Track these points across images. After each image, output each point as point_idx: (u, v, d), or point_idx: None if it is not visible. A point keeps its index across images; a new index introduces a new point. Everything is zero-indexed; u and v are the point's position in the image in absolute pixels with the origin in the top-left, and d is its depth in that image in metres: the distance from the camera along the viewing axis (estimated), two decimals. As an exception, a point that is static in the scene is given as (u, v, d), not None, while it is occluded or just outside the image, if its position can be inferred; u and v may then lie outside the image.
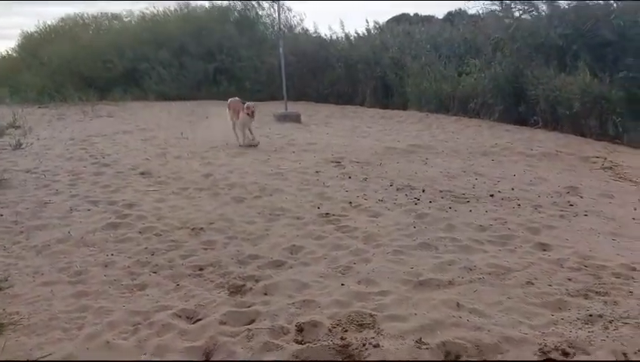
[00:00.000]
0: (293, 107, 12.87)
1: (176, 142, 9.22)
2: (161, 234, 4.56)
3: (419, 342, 2.73)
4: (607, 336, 2.72)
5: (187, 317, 3.14)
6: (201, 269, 3.84)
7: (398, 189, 5.91)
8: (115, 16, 19.82)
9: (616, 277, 3.51)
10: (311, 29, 18.30)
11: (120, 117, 12.99)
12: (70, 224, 4.90)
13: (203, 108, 14.01)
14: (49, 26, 19.71)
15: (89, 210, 5.35)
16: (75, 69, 16.88)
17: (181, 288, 3.54)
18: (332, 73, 15.67)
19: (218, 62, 16.95)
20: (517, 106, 11.13)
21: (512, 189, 5.90)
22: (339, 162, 7.34)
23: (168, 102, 15.81)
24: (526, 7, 12.09)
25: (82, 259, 4.07)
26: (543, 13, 11.82)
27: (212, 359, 2.72)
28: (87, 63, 16.93)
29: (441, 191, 5.78)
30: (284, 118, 11.84)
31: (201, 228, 4.68)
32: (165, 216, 5.05)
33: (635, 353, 2.56)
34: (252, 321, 3.07)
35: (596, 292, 3.27)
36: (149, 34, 17.80)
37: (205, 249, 4.24)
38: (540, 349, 2.61)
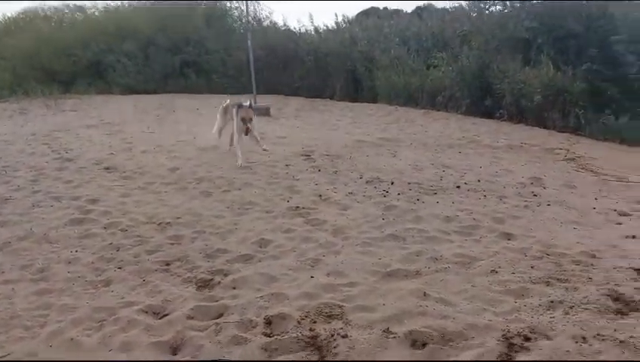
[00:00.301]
0: (263, 100, 12.78)
1: (142, 136, 9.05)
2: (126, 230, 4.48)
3: (386, 331, 2.76)
4: (568, 321, 2.81)
5: (154, 313, 3.10)
6: (167, 264, 3.79)
7: (367, 182, 5.94)
8: (79, 8, 19.30)
9: (577, 264, 3.62)
10: (280, 23, 18.20)
11: (84, 111, 12.67)
12: (32, 220, 4.77)
13: (170, 102, 13.80)
14: (9, 18, 19.08)
15: (52, 206, 5.21)
16: (37, 63, 16.37)
17: (147, 283, 3.48)
18: (302, 67, 15.60)
19: (185, 54, 16.69)
20: (483, 100, 11.32)
21: (478, 181, 6.00)
22: (309, 155, 7.34)
23: (134, 96, 15.48)
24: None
25: (45, 256, 3.97)
26: (512, 6, 12.04)
27: (179, 353, 2.69)
28: (50, 56, 16.44)
29: (409, 184, 5.84)
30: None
31: (168, 223, 4.62)
32: (131, 211, 4.96)
33: (594, 337, 2.64)
34: (220, 315, 3.05)
35: (557, 279, 3.36)
36: (113, 26, 17.38)
37: (172, 244, 4.18)
38: (502, 335, 2.67)
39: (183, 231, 4.43)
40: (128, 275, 3.62)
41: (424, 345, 2.66)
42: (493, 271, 3.50)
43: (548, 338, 2.66)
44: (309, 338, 2.74)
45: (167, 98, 14.77)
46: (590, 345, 2.56)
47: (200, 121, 10.57)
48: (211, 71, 16.39)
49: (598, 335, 2.65)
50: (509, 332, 2.70)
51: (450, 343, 2.65)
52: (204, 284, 3.46)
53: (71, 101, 14.39)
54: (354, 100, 14.19)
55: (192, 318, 3.00)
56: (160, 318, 3.04)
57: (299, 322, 2.91)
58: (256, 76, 12.48)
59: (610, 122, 9.21)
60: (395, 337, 2.70)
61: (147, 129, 9.73)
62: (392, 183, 5.85)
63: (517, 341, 2.62)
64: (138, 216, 4.81)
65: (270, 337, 2.77)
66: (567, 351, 2.52)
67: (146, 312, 3.10)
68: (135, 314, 3.06)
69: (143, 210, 5.00)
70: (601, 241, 4.13)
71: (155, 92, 15.95)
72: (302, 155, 7.33)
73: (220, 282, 3.47)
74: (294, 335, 2.77)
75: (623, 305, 3.00)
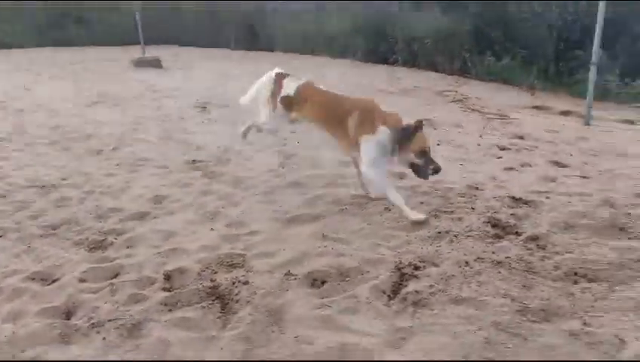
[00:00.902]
0: (154, 52, 12.09)
1: (17, 94, 8.24)
2: (4, 196, 4.12)
3: (287, 274, 2.82)
4: (453, 249, 3.03)
5: (42, 279, 2.91)
6: (54, 229, 3.55)
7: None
8: None
9: (462, 197, 3.90)
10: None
11: (-55, 68, 11.24)
12: None
13: (47, 56, 12.62)
14: None
15: None
16: None
17: (33, 250, 3.25)
18: (196, 16, 14.88)
19: (61, 2, 15.18)
20: (378, 46, 11.53)
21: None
22: (204, 107, 7.12)
23: (5, 51, 13.96)
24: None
25: None
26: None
27: (73, 317, 2.56)
28: None
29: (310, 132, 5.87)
30: (142, 63, 11.10)
31: (53, 185, 4.31)
32: (8, 175, 4.55)
33: (475, 260, 2.88)
34: (116, 275, 2.94)
35: (444, 212, 3.61)
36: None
37: (59, 207, 3.91)
38: (395, 266, 2.83)
39: (70, 193, 4.15)
40: (10, 243, 3.35)
41: (323, 282, 2.75)
42: (387, 209, 3.67)
43: (435, 265, 2.86)
44: (209, 288, 2.73)
45: (45, 52, 13.50)
46: (471, 268, 2.80)
47: (85, 77, 9.83)
48: (93, 21, 15.13)
49: (478, 258, 2.90)
50: (400, 263, 2.87)
51: (347, 278, 2.77)
52: (96, 246, 3.30)
53: None
54: (250, 49, 13.87)
55: (85, 281, 2.86)
56: (49, 284, 2.86)
57: (199, 274, 2.88)
58: (145, 26, 11.72)
59: (492, 63, 9.80)
60: (295, 279, 2.77)
61: (23, 86, 8.85)
62: (293, 132, 5.85)
63: (408, 270, 2.80)
64: (17, 180, 4.43)
65: (170, 291, 2.72)
66: (453, 274, 2.74)
67: (33, 279, 2.90)
68: (21, 282, 2.85)
69: (23, 173, 4.61)
70: (483, 174, 4.46)
71: (29, 46, 14.47)
72: (197, 107, 7.09)
73: (113, 242, 3.32)
74: (194, 287, 2.74)
75: (500, 230, 3.29)
